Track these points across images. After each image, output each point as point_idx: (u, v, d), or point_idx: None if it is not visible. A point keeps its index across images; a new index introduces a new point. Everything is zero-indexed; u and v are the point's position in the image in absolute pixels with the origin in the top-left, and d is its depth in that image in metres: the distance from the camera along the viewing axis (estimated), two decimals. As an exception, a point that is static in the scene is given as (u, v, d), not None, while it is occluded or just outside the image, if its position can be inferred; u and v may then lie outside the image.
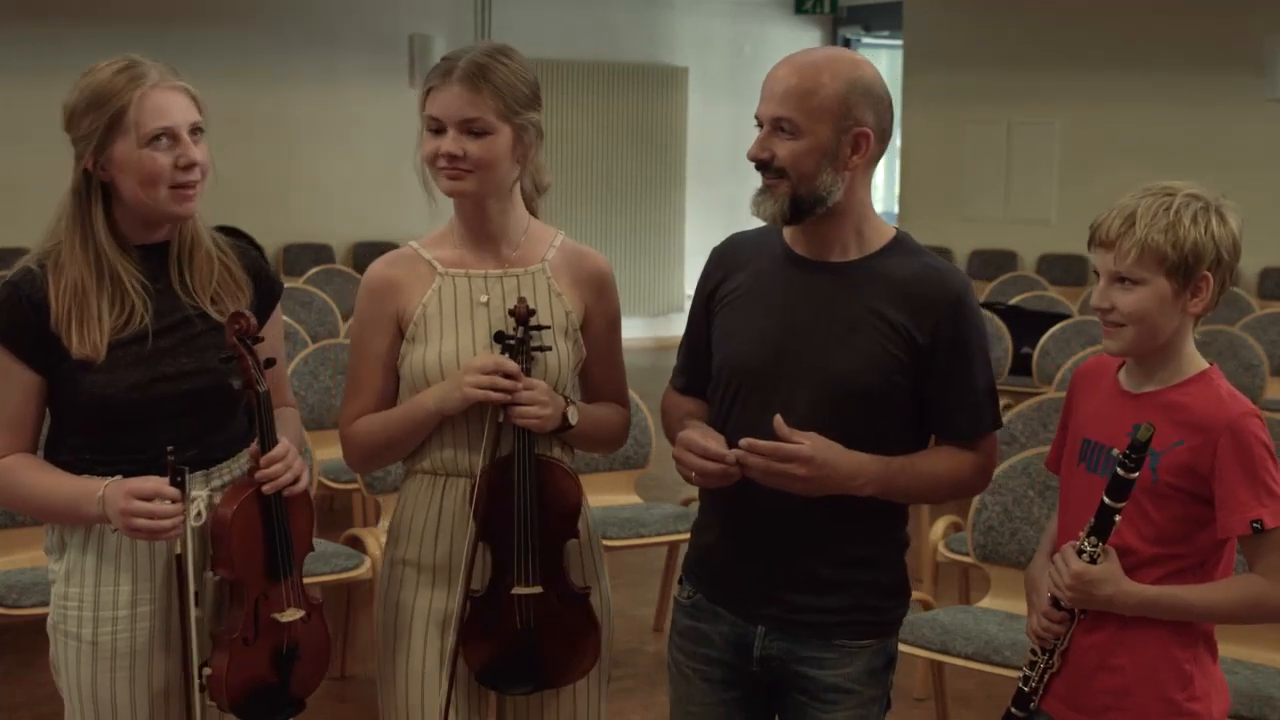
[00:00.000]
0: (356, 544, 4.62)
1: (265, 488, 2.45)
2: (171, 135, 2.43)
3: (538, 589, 2.58)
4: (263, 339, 2.51)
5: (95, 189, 2.46)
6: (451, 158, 2.54)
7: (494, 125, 2.55)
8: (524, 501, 2.56)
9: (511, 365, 2.53)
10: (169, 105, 2.44)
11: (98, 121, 2.41)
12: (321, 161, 11.32)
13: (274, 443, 2.46)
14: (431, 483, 2.65)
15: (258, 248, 2.71)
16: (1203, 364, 2.37)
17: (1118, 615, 2.33)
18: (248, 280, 2.60)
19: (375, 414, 2.65)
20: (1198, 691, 2.35)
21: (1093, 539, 2.30)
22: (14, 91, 9.90)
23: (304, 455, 2.61)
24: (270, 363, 2.51)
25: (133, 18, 10.02)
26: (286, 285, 7.12)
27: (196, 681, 2.47)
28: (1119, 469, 2.26)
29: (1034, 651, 2.41)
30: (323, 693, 4.60)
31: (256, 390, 2.44)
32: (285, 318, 6.31)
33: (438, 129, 2.56)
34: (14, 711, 4.51)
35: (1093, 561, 2.30)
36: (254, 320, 2.48)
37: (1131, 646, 2.34)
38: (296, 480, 2.48)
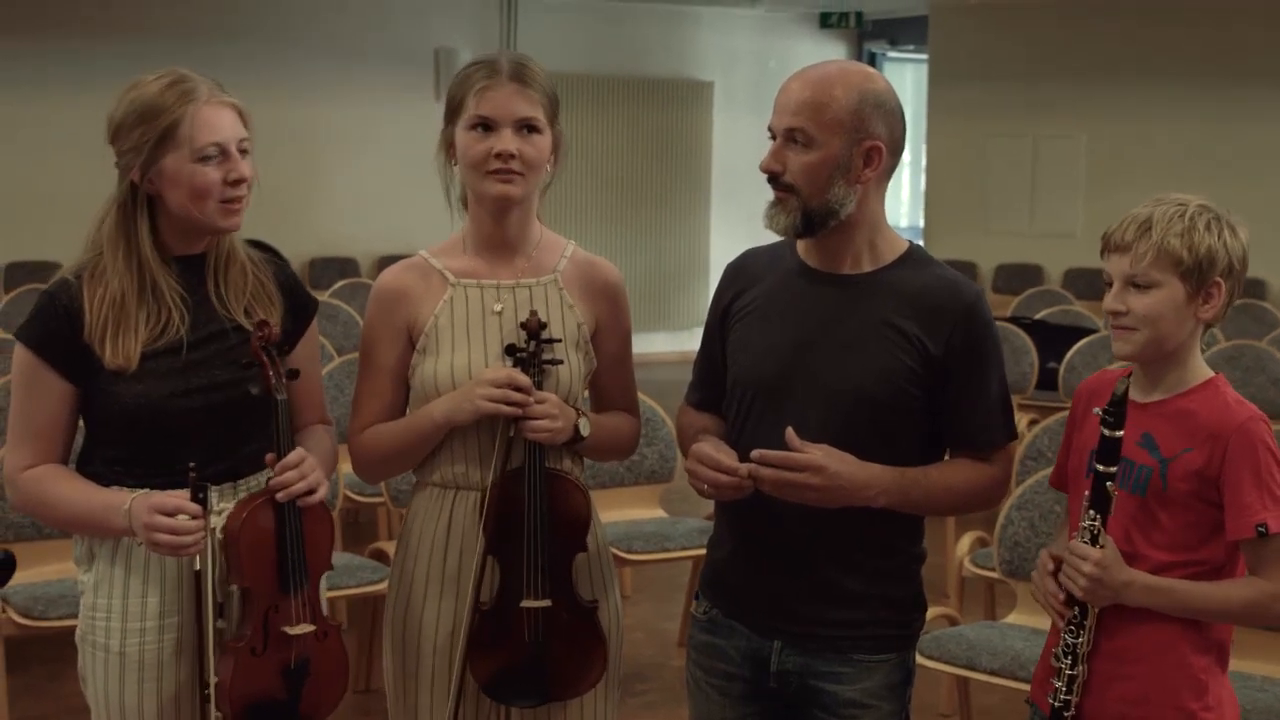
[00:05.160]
0: (381, 557, 4.62)
1: (279, 495, 2.44)
2: (222, 151, 2.46)
3: (546, 603, 2.58)
4: (288, 349, 2.52)
5: (142, 201, 2.49)
6: (508, 157, 2.52)
7: (544, 125, 2.56)
8: (534, 515, 2.55)
9: (523, 379, 2.52)
10: (220, 121, 2.47)
11: (148, 135, 2.44)
12: (347, 175, 11.37)
13: (290, 450, 2.47)
14: (441, 495, 2.64)
15: (284, 262, 2.72)
16: (1209, 372, 2.38)
17: (1135, 623, 2.32)
18: (279, 294, 2.61)
19: (384, 424, 2.64)
20: (1211, 701, 2.35)
21: (1092, 512, 2.30)
22: (43, 107, 9.98)
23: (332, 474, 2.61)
24: (294, 374, 2.51)
25: (160, 32, 10.10)
26: (312, 299, 7.16)
27: (202, 693, 2.46)
28: (1103, 429, 2.27)
29: (1057, 657, 2.39)
30: (347, 705, 4.60)
31: (274, 398, 2.45)
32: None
33: (489, 128, 2.54)
34: (41, 723, 4.53)
35: (1094, 539, 2.29)
36: (277, 329, 2.50)
37: (1148, 654, 2.34)
38: (313, 491, 2.47)
